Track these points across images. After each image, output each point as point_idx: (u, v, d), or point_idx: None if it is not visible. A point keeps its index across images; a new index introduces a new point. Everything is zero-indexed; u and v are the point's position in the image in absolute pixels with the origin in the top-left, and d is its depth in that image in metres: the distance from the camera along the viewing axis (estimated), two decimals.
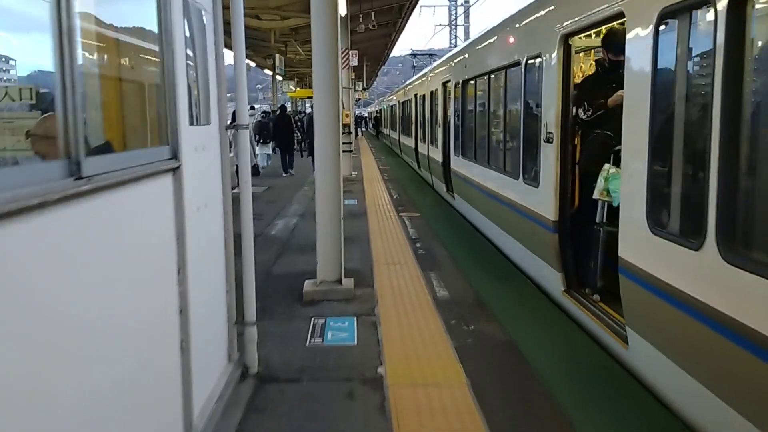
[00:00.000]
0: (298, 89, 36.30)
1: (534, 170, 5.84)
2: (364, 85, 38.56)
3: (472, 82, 8.72)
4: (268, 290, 5.63)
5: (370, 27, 15.66)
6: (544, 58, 5.40)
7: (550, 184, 5.23)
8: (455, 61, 10.31)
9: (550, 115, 5.19)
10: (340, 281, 5.35)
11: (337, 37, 5.14)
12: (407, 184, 14.55)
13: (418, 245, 7.54)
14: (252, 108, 28.20)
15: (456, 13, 36.20)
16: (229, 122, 3.54)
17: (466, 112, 9.50)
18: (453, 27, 36.32)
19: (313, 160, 17.21)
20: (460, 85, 9.57)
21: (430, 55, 39.83)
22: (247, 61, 26.41)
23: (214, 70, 3.35)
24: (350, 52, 14.84)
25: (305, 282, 5.47)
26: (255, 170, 14.56)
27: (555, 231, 5.17)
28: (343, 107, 15.63)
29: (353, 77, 18.80)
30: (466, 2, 37.07)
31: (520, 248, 6.17)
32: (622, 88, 4.81)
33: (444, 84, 11.71)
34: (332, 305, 5.08)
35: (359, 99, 46.00)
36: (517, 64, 6.26)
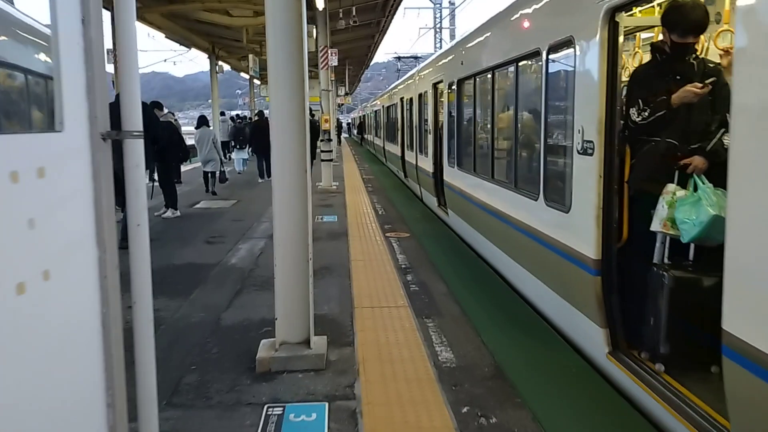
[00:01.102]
0: None
1: (561, 190, 4.52)
2: (347, 89, 37.25)
3: (471, 80, 7.41)
4: (212, 351, 4.23)
5: (352, 23, 14.35)
6: (578, 44, 4.09)
7: (588, 208, 3.91)
8: (449, 58, 9.01)
9: (589, 119, 3.88)
10: (307, 342, 3.96)
11: (300, 10, 3.76)
12: (393, 197, 13.21)
13: (409, 277, 6.18)
14: (222, 114, 27.43)
15: (441, 16, 35.04)
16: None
17: (464, 116, 8.18)
18: (438, 30, 35.13)
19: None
20: (455, 86, 8.26)
21: (415, 58, 38.60)
22: (221, 63, 25.02)
23: (78, 41, 1.97)
24: (330, 51, 13.50)
25: (261, 343, 4.07)
26: (222, 177, 13.25)
27: (596, 272, 3.85)
28: (323, 111, 14.33)
29: (333, 78, 17.45)
30: (452, 4, 35.93)
31: (545, 290, 4.83)
32: (690, 81, 3.58)
33: (435, 85, 10.40)
34: (296, 380, 3.68)
35: (342, 104, 44.68)
36: (536, 54, 4.96)
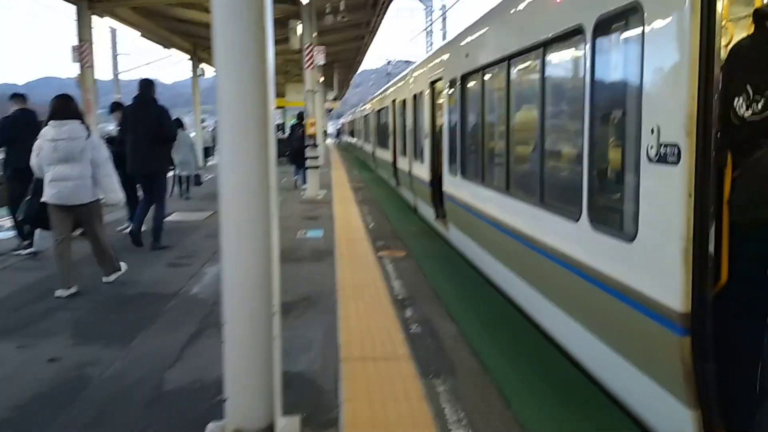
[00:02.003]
0: None
1: (618, 210, 3.40)
2: (336, 94, 36.14)
3: (479, 75, 6.29)
4: None
5: (340, 18, 13.22)
6: (649, 12, 2.98)
7: (668, 238, 2.79)
8: (451, 51, 7.89)
9: (672, 114, 2.76)
10: (271, 429, 2.78)
11: None
12: (385, 207, 12.06)
13: (409, 312, 5.02)
14: (203, 120, 26.59)
15: (432, 19, 34.03)
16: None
17: (469, 117, 7.06)
18: (429, 33, 34.12)
19: (297, 170, 15.04)
20: (458, 83, 7.14)
21: (407, 62, 37.54)
22: (204, 65, 23.82)
23: None
24: (316, 49, 12.36)
25: (207, 430, 2.89)
26: (197, 180, 12.17)
27: (683, 330, 2.72)
28: (308, 114, 13.17)
29: (319, 79, 16.30)
30: (444, 7, 34.93)
31: (593, 344, 3.68)
32: None
33: (432, 84, 9.29)
34: None
35: (331, 109, 43.56)
36: (574, 33, 3.84)
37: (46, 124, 5.62)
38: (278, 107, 34.48)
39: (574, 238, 3.84)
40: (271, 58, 2.65)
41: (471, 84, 6.82)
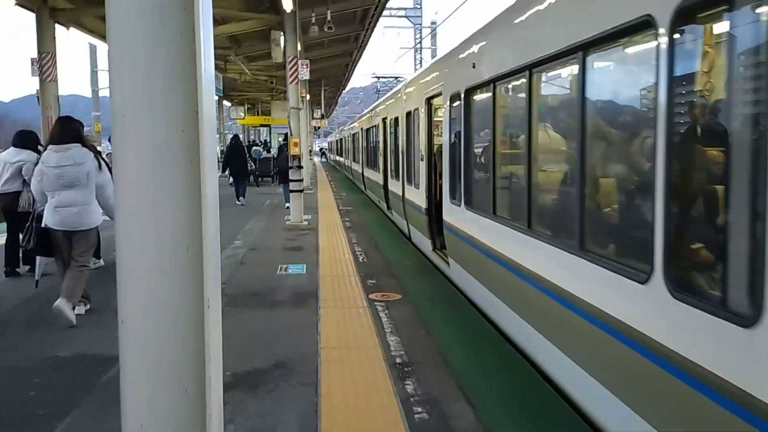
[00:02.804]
0: (247, 116, 32.82)
1: (722, 273, 2.38)
2: (323, 111, 35.25)
3: (489, 88, 5.29)
4: None
5: (327, 29, 12.25)
6: None
7: None
8: (452, 63, 6.91)
9: None
10: None
11: None
12: (376, 233, 11.02)
13: (410, 386, 3.94)
14: None
15: (421, 36, 33.33)
16: None
17: (475, 136, 6.05)
18: (418, 50, 33.37)
19: (286, 190, 13.28)
20: (461, 98, 6.15)
21: (396, 78, 36.70)
22: None
23: None
24: (300, 63, 11.37)
25: None
26: None
27: None
28: (292, 134, 12.15)
29: (304, 95, 15.32)
30: (433, 23, 34.26)
31: None
32: None
33: (429, 101, 8.31)
34: None
35: (318, 127, 42.65)
36: (638, 28, 2.85)
37: (45, 148, 5.50)
38: (263, 125, 33.58)
39: (644, 307, 2.79)
40: (199, 39, 1.64)
41: (479, 98, 5.83)
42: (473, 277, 5.97)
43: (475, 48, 5.79)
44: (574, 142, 3.60)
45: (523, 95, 4.50)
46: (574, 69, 3.60)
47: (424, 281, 7.18)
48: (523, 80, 4.41)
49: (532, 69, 4.25)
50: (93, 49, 34.72)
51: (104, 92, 35.29)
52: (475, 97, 5.89)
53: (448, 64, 6.99)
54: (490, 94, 5.25)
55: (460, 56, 6.33)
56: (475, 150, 5.98)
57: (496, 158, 5.22)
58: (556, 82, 4.14)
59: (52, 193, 5.32)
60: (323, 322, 5.40)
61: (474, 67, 5.65)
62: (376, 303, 6.07)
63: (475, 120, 5.97)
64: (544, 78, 4.25)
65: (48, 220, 5.36)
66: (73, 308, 5.29)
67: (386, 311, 5.77)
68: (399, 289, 6.65)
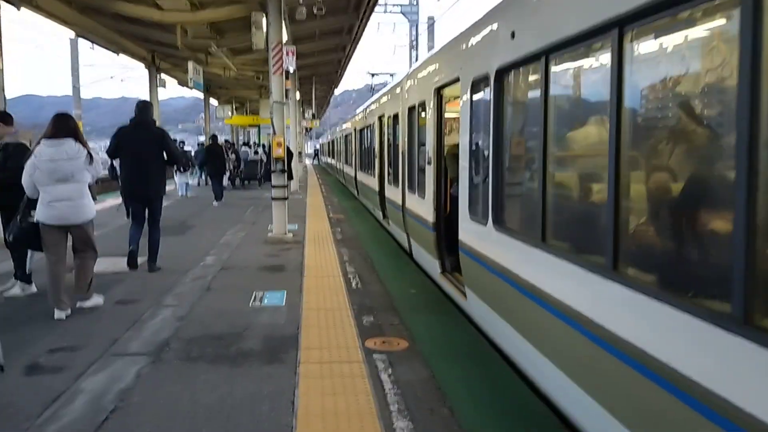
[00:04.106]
0: (235, 116, 31.17)
1: None
2: (314, 112, 33.67)
3: (544, 61, 3.70)
4: None
5: (316, 12, 10.70)
6: None
7: None
8: (478, 35, 5.29)
9: None
10: None
11: None
12: (371, 249, 9.47)
13: None
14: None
15: (417, 32, 31.82)
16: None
17: (516, 133, 4.49)
18: (413, 47, 31.78)
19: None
20: (491, 82, 4.59)
21: (392, 75, 35.08)
22: (165, 76, 21.15)
23: None
24: (286, 50, 9.81)
25: None
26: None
27: None
28: (275, 131, 10.60)
29: (289, 87, 13.74)
30: (430, 18, 32.75)
31: None
32: None
33: (439, 90, 6.76)
34: None
35: (310, 128, 41.10)
36: None
37: (38, 143, 5.47)
38: (252, 125, 31.96)
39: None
40: None
41: (520, 80, 4.28)
42: (507, 324, 4.43)
43: (518, 10, 4.24)
44: (697, 140, 2.07)
45: (601, 69, 2.98)
46: (703, 26, 2.07)
47: (435, 321, 5.62)
48: (606, 45, 2.89)
49: (623, 26, 2.73)
50: (74, 44, 32.91)
51: (87, 92, 33.52)
52: (513, 80, 4.35)
53: (471, 41, 5.44)
54: (540, 72, 3.71)
55: (491, 27, 4.78)
56: (513, 151, 4.43)
57: (548, 163, 3.67)
58: (667, 42, 2.62)
59: (45, 188, 5.31)
60: (302, 391, 3.84)
61: (513, 37, 4.11)
62: (375, 355, 4.52)
63: (513, 111, 4.43)
64: (643, 41, 2.72)
65: (41, 215, 5.34)
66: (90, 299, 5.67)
67: (389, 370, 4.22)
68: (404, 332, 5.11)
